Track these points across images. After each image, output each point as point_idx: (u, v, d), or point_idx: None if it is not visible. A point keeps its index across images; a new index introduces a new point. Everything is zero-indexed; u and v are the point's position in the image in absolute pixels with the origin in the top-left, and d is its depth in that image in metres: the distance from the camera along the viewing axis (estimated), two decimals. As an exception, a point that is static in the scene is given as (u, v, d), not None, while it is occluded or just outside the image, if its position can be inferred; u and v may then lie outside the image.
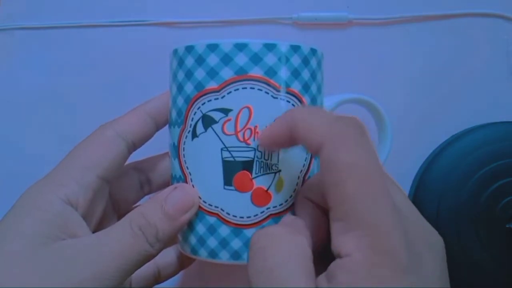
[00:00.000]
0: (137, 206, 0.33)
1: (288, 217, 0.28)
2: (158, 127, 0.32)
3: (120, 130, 0.30)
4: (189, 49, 0.29)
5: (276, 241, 0.24)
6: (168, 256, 0.34)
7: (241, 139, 0.28)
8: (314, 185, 0.28)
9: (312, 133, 0.24)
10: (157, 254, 0.28)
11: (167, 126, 0.32)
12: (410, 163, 0.41)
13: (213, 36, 0.41)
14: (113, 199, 0.32)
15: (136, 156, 0.33)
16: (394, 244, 0.21)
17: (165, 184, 0.34)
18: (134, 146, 0.31)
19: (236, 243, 0.28)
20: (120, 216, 0.32)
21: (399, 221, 0.22)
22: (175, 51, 0.30)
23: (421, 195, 0.39)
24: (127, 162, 0.31)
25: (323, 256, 0.25)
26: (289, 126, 0.25)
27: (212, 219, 0.29)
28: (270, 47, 0.28)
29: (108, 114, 0.32)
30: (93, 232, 0.28)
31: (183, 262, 0.35)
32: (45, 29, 0.42)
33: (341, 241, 0.22)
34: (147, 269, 0.33)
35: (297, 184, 0.29)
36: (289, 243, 0.24)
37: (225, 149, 0.28)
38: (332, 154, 0.23)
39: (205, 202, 0.29)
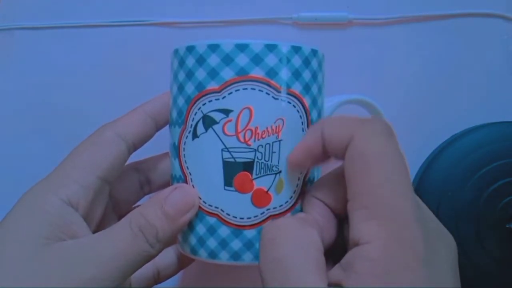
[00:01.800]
0: (137, 206, 0.33)
1: (298, 213, 0.28)
2: (158, 128, 0.32)
3: (120, 131, 0.30)
4: (190, 49, 0.29)
5: (286, 232, 0.24)
6: (167, 256, 0.34)
7: (242, 140, 0.28)
8: (324, 184, 0.28)
9: (342, 128, 0.25)
10: (157, 254, 0.28)
11: (167, 126, 0.32)
12: (410, 163, 0.40)
13: (213, 36, 0.41)
14: (113, 200, 0.32)
15: (136, 156, 0.33)
16: (414, 235, 0.21)
17: (165, 184, 0.34)
18: (134, 147, 0.31)
19: (236, 244, 0.28)
20: (120, 217, 0.32)
21: (420, 214, 0.22)
22: (176, 51, 0.30)
23: (421, 195, 0.39)
24: (127, 162, 0.31)
25: (331, 255, 0.25)
26: (320, 131, 0.26)
27: (212, 220, 0.29)
28: (271, 47, 0.28)
29: (108, 115, 0.32)
30: (94, 232, 0.28)
31: (182, 262, 0.35)
32: (45, 29, 0.42)
33: (362, 229, 0.22)
34: (147, 269, 0.33)
35: (297, 186, 0.29)
36: (300, 234, 0.24)
37: (226, 149, 0.28)
38: (362, 144, 0.23)
39: (205, 203, 0.29)
